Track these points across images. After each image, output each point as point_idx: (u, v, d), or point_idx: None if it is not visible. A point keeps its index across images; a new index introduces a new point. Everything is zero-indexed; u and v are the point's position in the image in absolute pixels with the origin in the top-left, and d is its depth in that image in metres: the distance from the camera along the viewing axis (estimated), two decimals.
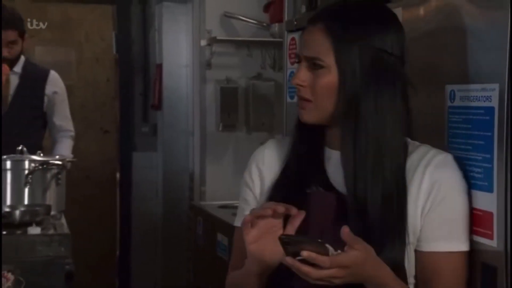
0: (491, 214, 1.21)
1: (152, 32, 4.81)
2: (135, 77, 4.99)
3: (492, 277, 1.22)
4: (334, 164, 1.29)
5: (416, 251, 1.25)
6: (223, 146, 3.73)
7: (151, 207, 4.76)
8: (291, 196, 1.28)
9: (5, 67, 3.09)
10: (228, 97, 3.65)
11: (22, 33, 3.25)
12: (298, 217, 1.24)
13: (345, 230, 1.12)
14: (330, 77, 1.23)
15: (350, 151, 1.23)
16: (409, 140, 1.29)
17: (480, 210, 1.25)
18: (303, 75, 1.26)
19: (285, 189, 1.31)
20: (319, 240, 1.12)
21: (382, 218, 1.20)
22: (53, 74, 3.43)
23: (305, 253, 1.10)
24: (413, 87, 1.29)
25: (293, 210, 1.24)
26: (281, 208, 1.23)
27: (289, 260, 1.11)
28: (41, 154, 2.62)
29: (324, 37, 1.24)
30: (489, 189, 1.22)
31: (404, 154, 1.26)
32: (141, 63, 4.97)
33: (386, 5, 1.31)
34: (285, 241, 1.13)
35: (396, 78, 1.24)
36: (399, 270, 1.21)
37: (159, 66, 4.59)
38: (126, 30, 4.99)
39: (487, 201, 1.22)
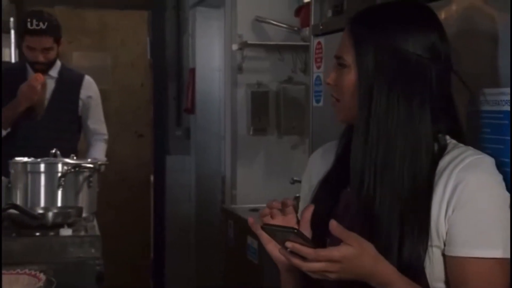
0: None
1: (185, 36, 4.87)
2: (169, 82, 5.06)
3: None
4: None
5: (444, 256, 1.21)
6: (254, 150, 3.75)
7: (184, 210, 4.81)
8: (331, 194, 1.32)
9: (39, 76, 3.15)
10: (259, 101, 3.67)
11: (58, 39, 3.30)
12: (307, 210, 1.26)
13: (333, 224, 1.11)
14: (350, 76, 1.26)
15: (359, 150, 1.24)
16: (451, 141, 1.27)
17: None
18: (332, 74, 1.30)
19: (325, 188, 1.35)
20: (295, 230, 1.11)
21: (395, 218, 1.19)
22: (88, 79, 3.48)
23: (289, 244, 1.11)
24: (466, 86, 1.27)
25: (289, 202, 1.26)
26: (276, 204, 1.26)
27: (281, 252, 1.14)
28: (74, 157, 2.67)
29: (348, 38, 1.28)
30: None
31: (430, 154, 1.22)
32: (175, 68, 5.03)
33: (423, 4, 1.30)
34: (266, 230, 1.15)
35: (418, 78, 1.22)
36: (416, 272, 1.19)
37: (192, 70, 4.65)
38: (161, 35, 5.06)
39: None
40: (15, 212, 2.23)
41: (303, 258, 1.11)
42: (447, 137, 1.27)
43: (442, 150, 1.25)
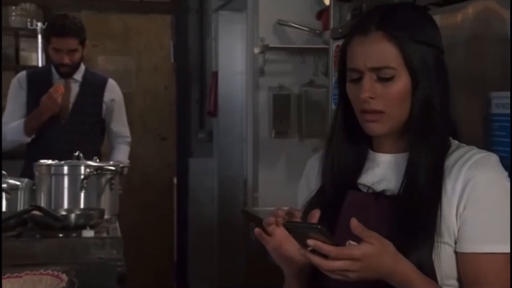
0: None
1: (208, 40, 4.90)
2: (191, 85, 5.09)
3: None
4: (384, 167, 1.32)
5: (456, 253, 1.23)
6: (275, 153, 3.77)
7: (207, 212, 4.84)
8: (337, 196, 1.33)
9: (60, 88, 3.18)
10: (281, 104, 3.68)
11: (82, 41, 3.34)
12: (314, 216, 1.26)
13: (354, 223, 1.11)
14: (402, 83, 1.23)
15: (420, 153, 1.24)
16: (453, 140, 1.30)
17: None
18: (372, 86, 1.24)
19: (324, 193, 1.35)
20: (319, 226, 1.11)
21: (418, 217, 1.21)
22: (111, 82, 3.51)
23: (310, 242, 1.11)
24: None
25: (296, 213, 1.27)
26: (281, 212, 1.26)
27: (301, 252, 1.14)
28: (97, 160, 2.69)
29: (388, 44, 1.23)
30: None
31: (445, 152, 1.26)
32: (198, 71, 5.07)
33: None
34: (288, 227, 1.15)
35: (448, 75, 1.26)
36: (426, 268, 1.20)
37: (215, 74, 4.67)
38: (184, 39, 5.10)
39: None
40: (39, 214, 2.26)
41: (324, 257, 1.12)
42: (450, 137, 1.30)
43: (447, 149, 1.27)
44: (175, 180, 5.05)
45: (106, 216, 2.48)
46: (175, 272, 5.11)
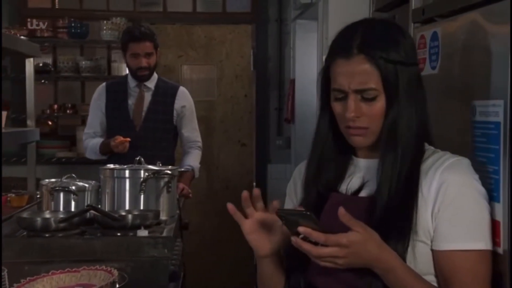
0: (498, 222, 1.25)
1: (287, 49, 4.99)
2: (270, 92, 5.20)
3: (498, 282, 1.25)
4: (365, 171, 1.39)
5: (432, 250, 1.29)
6: None
7: None
8: (314, 201, 1.40)
9: (125, 140, 3.38)
10: None
11: (156, 46, 3.55)
12: (274, 204, 1.34)
13: (341, 211, 1.18)
14: (381, 102, 1.31)
15: (389, 162, 1.31)
16: (428, 146, 1.36)
17: None
18: (357, 106, 1.31)
19: (308, 197, 1.43)
20: (308, 213, 1.18)
21: (393, 217, 1.27)
22: (182, 90, 3.67)
23: (301, 229, 1.18)
24: None
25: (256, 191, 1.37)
26: (256, 191, 1.38)
27: (293, 239, 1.21)
28: (160, 164, 2.85)
29: (369, 67, 1.29)
30: (497, 199, 1.26)
31: (420, 158, 1.32)
32: (277, 79, 5.17)
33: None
34: (280, 214, 1.23)
35: (422, 86, 1.33)
36: None
37: (292, 81, 4.76)
38: (264, 48, 5.22)
39: (495, 211, 1.26)
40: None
41: (313, 244, 1.19)
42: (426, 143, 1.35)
43: (421, 155, 1.33)
44: (254, 185, 5.17)
45: (163, 217, 2.63)
46: (255, 276, 5.19)
